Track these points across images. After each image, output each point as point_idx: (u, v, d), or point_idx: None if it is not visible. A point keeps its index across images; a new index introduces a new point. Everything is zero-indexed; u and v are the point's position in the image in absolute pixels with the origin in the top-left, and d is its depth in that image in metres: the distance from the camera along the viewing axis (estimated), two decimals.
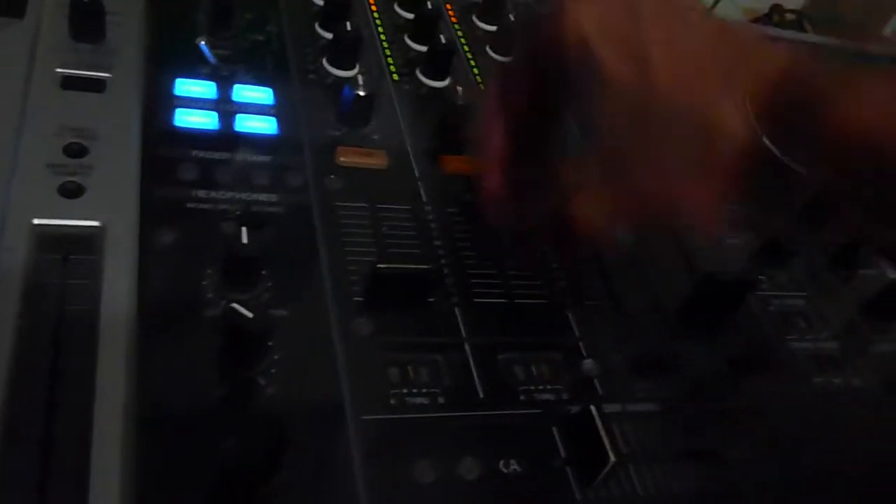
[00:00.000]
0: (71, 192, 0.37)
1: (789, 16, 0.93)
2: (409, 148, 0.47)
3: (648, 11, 0.32)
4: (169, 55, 0.46)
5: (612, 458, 0.33)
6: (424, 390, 0.35)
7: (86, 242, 0.36)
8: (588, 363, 0.39)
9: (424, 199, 0.44)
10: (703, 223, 0.32)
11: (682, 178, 0.31)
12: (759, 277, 0.48)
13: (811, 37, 0.79)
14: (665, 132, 0.31)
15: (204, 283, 0.36)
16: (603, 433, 0.34)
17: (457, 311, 0.39)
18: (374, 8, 0.57)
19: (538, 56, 0.35)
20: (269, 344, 0.34)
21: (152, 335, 0.33)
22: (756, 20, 0.89)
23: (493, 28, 0.59)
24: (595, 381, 0.39)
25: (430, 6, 0.55)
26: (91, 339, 0.32)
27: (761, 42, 0.33)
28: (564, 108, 0.37)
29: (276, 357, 0.34)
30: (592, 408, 0.35)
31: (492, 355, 0.38)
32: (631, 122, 0.31)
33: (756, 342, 0.45)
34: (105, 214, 0.36)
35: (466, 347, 0.38)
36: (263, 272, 0.36)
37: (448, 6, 0.61)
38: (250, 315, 0.32)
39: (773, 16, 0.92)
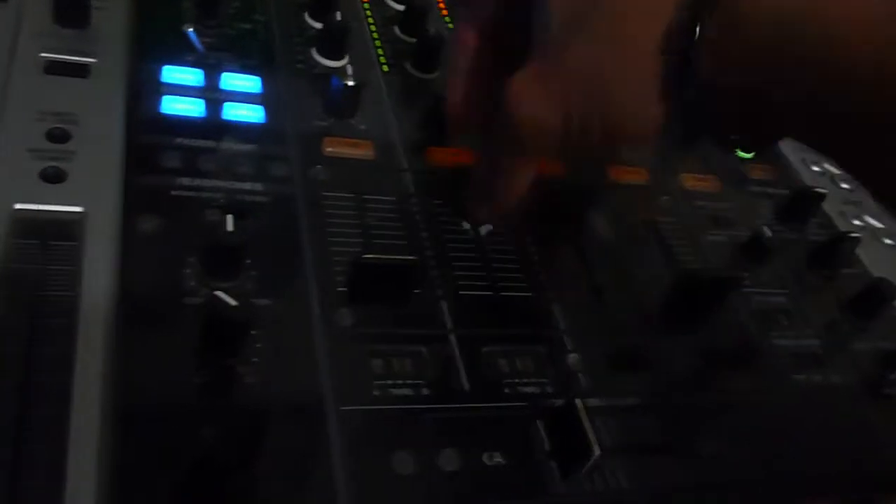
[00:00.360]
0: (53, 177, 0.36)
1: None
2: (396, 139, 0.47)
3: None
4: (155, 42, 0.45)
5: (597, 451, 0.33)
6: (409, 381, 0.35)
7: (67, 228, 0.35)
8: (572, 357, 0.39)
9: (411, 190, 0.44)
10: (637, 109, 0.32)
11: (618, 56, 0.31)
12: (741, 274, 0.48)
13: None
14: (597, 13, 0.31)
15: (186, 271, 0.35)
16: (587, 426, 0.34)
17: (442, 303, 0.39)
18: None
19: None
20: (252, 333, 0.33)
21: (133, 323, 0.33)
22: None
23: None
24: (579, 374, 0.39)
25: None
26: (70, 327, 0.32)
27: None
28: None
29: (257, 346, 0.33)
30: (577, 401, 0.35)
31: (477, 348, 0.38)
32: (569, 9, 0.32)
33: (738, 339, 0.45)
34: (87, 200, 0.36)
35: (451, 339, 0.38)
36: (247, 261, 0.36)
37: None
38: (234, 303, 0.31)
39: None
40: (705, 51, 0.30)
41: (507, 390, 0.37)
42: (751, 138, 0.35)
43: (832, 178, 0.62)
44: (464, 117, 0.39)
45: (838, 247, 0.51)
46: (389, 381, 0.35)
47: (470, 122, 0.39)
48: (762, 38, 0.29)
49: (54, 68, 0.42)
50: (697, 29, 0.29)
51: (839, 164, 0.36)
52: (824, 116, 0.30)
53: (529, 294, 0.41)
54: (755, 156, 0.59)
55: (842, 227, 0.57)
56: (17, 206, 0.35)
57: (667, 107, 0.32)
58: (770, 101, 0.31)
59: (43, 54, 0.42)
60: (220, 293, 0.32)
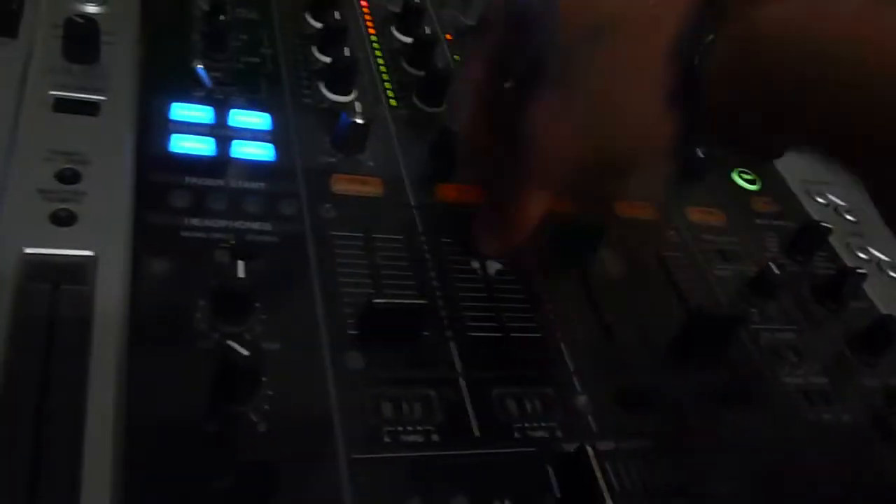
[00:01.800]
0: (63, 219, 0.36)
1: None
2: (404, 175, 0.47)
3: None
4: (164, 78, 0.45)
5: (608, 500, 0.33)
6: (418, 427, 0.35)
7: (78, 272, 0.35)
8: (582, 399, 0.39)
9: (420, 228, 0.44)
10: (645, 125, 0.33)
11: (625, 74, 0.33)
12: (749, 310, 0.48)
13: None
14: (606, 39, 0.33)
15: (197, 314, 0.35)
16: (598, 473, 0.34)
17: (451, 344, 0.39)
18: (371, 31, 0.57)
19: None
20: (262, 379, 0.33)
21: (143, 368, 0.32)
22: None
23: None
24: (588, 417, 0.39)
25: (427, 31, 0.55)
26: (80, 372, 0.32)
27: None
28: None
29: (268, 393, 0.33)
30: (588, 448, 0.35)
31: (486, 390, 0.38)
32: (579, 38, 0.33)
33: (747, 376, 0.45)
34: (97, 243, 0.36)
35: (461, 382, 0.38)
36: (257, 304, 0.36)
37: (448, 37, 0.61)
38: (246, 353, 0.31)
39: None
40: (714, 62, 0.31)
41: (516, 434, 0.37)
42: (758, 149, 0.37)
43: (836, 209, 0.62)
44: (473, 145, 0.41)
45: (845, 281, 0.51)
46: (400, 427, 0.35)
47: (479, 151, 0.40)
48: (769, 53, 0.30)
49: (64, 106, 0.42)
50: (705, 38, 0.31)
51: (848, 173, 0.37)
52: (826, 132, 0.32)
53: (539, 334, 0.41)
54: (760, 181, 0.59)
55: (847, 259, 0.57)
56: (28, 250, 0.35)
57: (675, 121, 0.33)
58: (777, 114, 0.32)
59: (52, 92, 0.42)
60: (231, 342, 0.31)
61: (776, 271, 0.49)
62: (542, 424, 0.37)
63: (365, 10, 0.59)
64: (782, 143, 0.37)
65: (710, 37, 0.31)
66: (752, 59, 0.31)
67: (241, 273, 0.34)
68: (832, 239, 0.57)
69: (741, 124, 0.33)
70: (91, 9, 0.48)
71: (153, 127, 0.42)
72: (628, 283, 0.46)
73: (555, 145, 0.34)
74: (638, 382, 0.41)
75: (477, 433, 0.36)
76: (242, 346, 0.32)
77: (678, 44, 0.32)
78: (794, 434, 0.43)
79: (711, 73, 0.31)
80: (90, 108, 0.42)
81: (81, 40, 0.44)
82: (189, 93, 0.45)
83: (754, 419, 0.43)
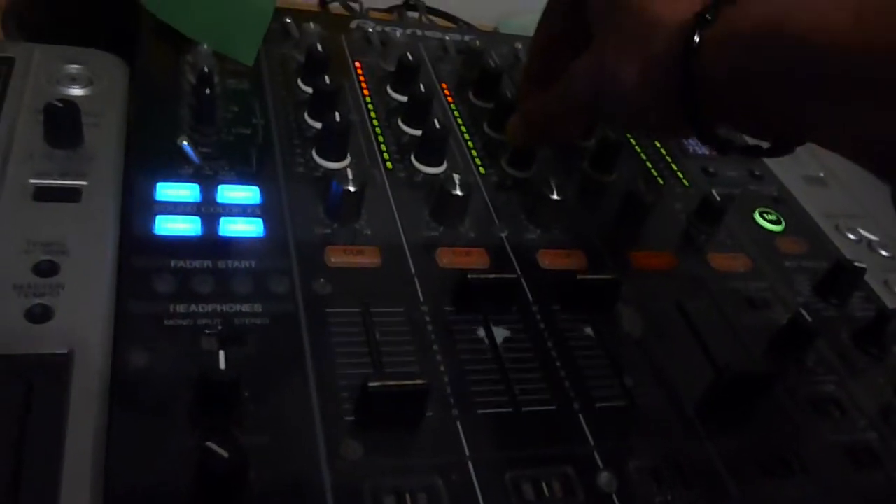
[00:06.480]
0: (38, 316, 0.34)
1: None
2: (403, 242, 0.44)
3: None
4: (149, 157, 0.44)
5: None
6: None
7: (53, 371, 0.33)
8: (604, 476, 0.36)
9: (421, 298, 0.41)
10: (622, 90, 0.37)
11: (629, 51, 0.37)
12: (785, 367, 0.44)
13: None
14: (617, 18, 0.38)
15: (180, 410, 0.33)
16: None
17: (458, 424, 0.36)
18: (365, 91, 0.55)
19: None
20: (248, 480, 0.31)
21: (121, 474, 0.30)
22: None
23: (490, 105, 0.57)
24: (614, 496, 0.35)
25: (423, 87, 0.53)
26: (55, 480, 0.30)
27: None
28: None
29: (257, 492, 0.31)
30: None
31: (498, 474, 0.35)
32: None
33: (786, 438, 0.41)
34: (75, 340, 0.34)
35: (470, 466, 0.35)
36: (245, 394, 0.33)
37: (444, 85, 0.59)
38: (225, 454, 0.29)
39: None
40: (708, 54, 0.34)
41: None
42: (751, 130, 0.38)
43: (869, 244, 0.58)
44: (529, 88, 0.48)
45: (887, 324, 0.47)
46: None
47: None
48: (752, 46, 0.32)
49: (44, 194, 0.40)
50: (697, 35, 0.34)
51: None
52: (803, 115, 0.32)
53: (553, 407, 0.38)
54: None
55: (886, 298, 0.53)
56: None
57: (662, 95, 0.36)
58: (760, 98, 0.33)
59: (33, 180, 0.41)
60: (210, 444, 0.29)
61: (809, 319, 0.45)
62: None
63: (359, 71, 0.57)
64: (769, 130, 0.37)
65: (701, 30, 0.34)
66: (738, 54, 0.33)
67: (222, 363, 0.32)
68: (867, 277, 0.53)
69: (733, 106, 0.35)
70: (76, 91, 0.47)
71: (137, 209, 0.41)
72: (649, 340, 0.43)
73: (573, 87, 0.42)
74: (667, 453, 0.38)
75: None
76: (228, 442, 0.29)
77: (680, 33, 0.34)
78: (843, 500, 0.39)
79: (707, 59, 0.34)
80: (72, 195, 0.41)
81: (62, 125, 0.43)
82: (176, 171, 0.44)
83: (798, 487, 0.39)
